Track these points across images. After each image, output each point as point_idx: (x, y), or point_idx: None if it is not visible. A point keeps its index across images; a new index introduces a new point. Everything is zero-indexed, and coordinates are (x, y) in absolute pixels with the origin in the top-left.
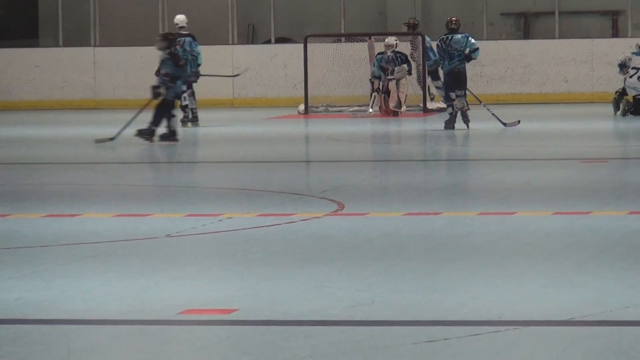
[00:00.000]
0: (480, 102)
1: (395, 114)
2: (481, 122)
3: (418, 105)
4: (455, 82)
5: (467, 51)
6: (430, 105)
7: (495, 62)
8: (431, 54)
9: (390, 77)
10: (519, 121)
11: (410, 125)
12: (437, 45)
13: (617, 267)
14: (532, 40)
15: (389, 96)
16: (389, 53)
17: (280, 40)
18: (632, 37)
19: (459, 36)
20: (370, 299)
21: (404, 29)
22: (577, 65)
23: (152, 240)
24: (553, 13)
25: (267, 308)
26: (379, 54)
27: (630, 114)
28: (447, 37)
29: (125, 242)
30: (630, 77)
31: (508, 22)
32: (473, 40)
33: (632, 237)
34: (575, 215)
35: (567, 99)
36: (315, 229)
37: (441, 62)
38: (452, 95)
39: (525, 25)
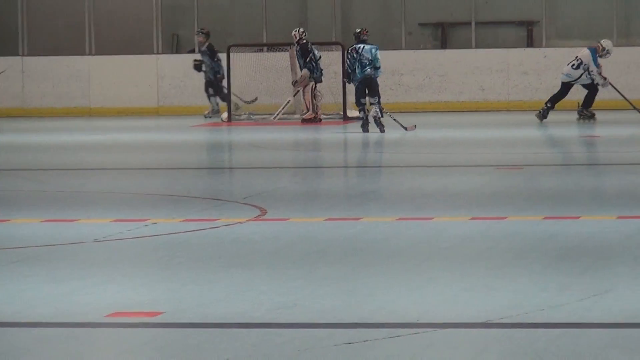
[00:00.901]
0: (383, 108)
1: (305, 121)
2: (398, 130)
3: (338, 113)
4: (368, 89)
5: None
6: (350, 113)
7: (414, 71)
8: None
9: (296, 87)
10: (415, 125)
11: (329, 133)
12: (349, 54)
13: (533, 271)
14: (449, 50)
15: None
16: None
17: None
18: (546, 46)
19: (368, 47)
20: (292, 302)
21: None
22: (493, 74)
23: (79, 245)
24: (470, 23)
25: (192, 311)
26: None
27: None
28: (359, 47)
29: (53, 246)
30: (569, 64)
31: (426, 32)
32: (379, 56)
33: (547, 242)
34: (492, 220)
35: (483, 107)
36: (238, 234)
37: (350, 70)
38: (363, 100)
39: (443, 35)
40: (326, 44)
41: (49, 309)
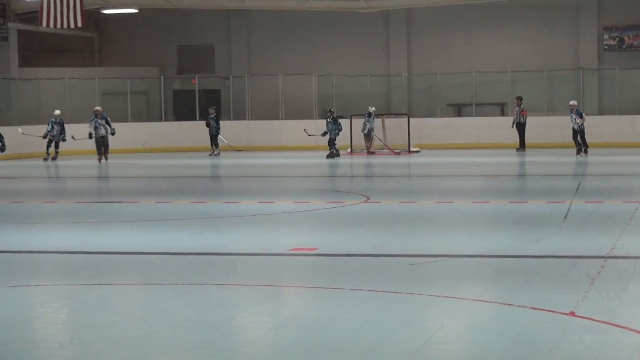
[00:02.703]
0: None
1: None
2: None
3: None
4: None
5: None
6: (412, 148)
7: (444, 128)
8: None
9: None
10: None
11: (395, 159)
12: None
13: (505, 230)
14: (461, 118)
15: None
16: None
17: None
18: (510, 116)
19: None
20: (382, 243)
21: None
22: (484, 129)
23: (275, 215)
24: (472, 104)
25: (333, 248)
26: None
27: None
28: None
29: (264, 215)
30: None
31: (449, 108)
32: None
33: (509, 215)
34: (484, 203)
35: (478, 147)
36: (357, 208)
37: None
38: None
39: (458, 110)
40: (398, 115)
41: (257, 247)
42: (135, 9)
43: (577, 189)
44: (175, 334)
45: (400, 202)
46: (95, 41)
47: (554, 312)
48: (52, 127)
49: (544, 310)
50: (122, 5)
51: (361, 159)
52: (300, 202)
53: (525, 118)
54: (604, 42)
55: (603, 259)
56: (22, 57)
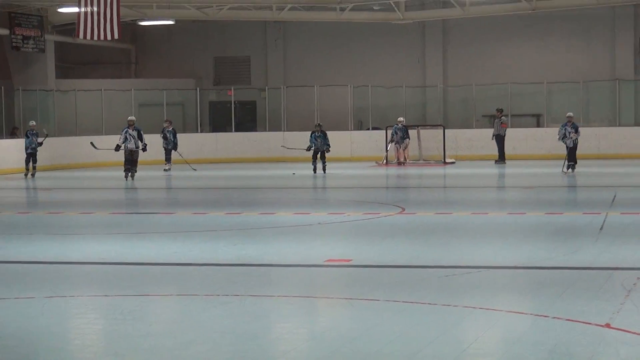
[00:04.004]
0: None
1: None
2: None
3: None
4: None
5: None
6: (447, 159)
7: (479, 139)
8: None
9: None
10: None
11: (429, 169)
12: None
13: (538, 241)
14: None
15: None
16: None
17: None
18: (546, 127)
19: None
20: (418, 254)
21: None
22: (520, 141)
23: (309, 226)
24: (507, 114)
25: (367, 259)
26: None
27: None
28: (319, 133)
29: (300, 226)
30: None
31: (484, 119)
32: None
33: (546, 226)
34: (518, 215)
35: (514, 158)
36: (393, 219)
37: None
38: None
39: (493, 121)
40: (434, 126)
41: (293, 258)
42: (172, 20)
43: (612, 200)
44: (211, 345)
45: (436, 214)
46: (132, 53)
47: (590, 323)
48: (31, 140)
49: (580, 322)
50: (158, 17)
51: (398, 170)
52: (335, 214)
53: (505, 131)
54: None
55: (639, 271)
56: (59, 69)
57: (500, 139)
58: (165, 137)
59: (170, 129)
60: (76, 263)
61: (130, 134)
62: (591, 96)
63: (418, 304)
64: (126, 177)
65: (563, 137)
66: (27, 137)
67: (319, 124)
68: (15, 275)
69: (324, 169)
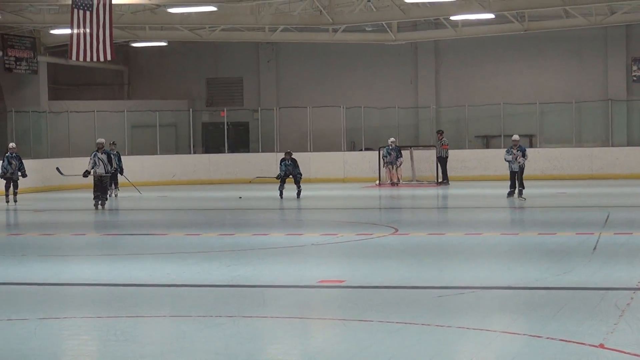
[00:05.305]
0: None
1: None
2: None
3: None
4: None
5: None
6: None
7: (472, 160)
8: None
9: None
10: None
11: (423, 190)
12: (282, 163)
13: (532, 261)
14: (489, 149)
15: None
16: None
17: None
18: (539, 147)
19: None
20: (412, 275)
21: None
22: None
23: (303, 247)
24: (500, 135)
25: (361, 280)
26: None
27: None
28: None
29: (293, 247)
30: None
31: (477, 140)
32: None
33: (539, 246)
34: (512, 235)
35: (506, 178)
36: (385, 240)
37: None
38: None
39: (486, 142)
40: (427, 147)
41: (286, 279)
42: (164, 42)
43: (606, 221)
44: None
45: (429, 234)
46: (125, 74)
47: (584, 344)
48: (9, 163)
49: (573, 342)
50: (151, 39)
51: (391, 191)
52: (328, 234)
53: (447, 152)
54: (633, 73)
55: (632, 291)
56: (52, 91)
57: (442, 161)
58: (110, 160)
59: (115, 152)
60: (69, 284)
61: (99, 158)
62: (584, 116)
63: (412, 324)
64: (96, 206)
65: (511, 161)
66: (4, 160)
67: (289, 152)
68: (7, 297)
69: (299, 195)
